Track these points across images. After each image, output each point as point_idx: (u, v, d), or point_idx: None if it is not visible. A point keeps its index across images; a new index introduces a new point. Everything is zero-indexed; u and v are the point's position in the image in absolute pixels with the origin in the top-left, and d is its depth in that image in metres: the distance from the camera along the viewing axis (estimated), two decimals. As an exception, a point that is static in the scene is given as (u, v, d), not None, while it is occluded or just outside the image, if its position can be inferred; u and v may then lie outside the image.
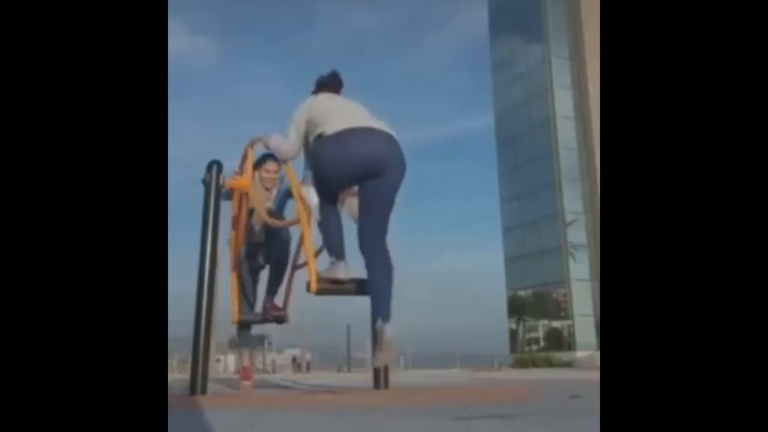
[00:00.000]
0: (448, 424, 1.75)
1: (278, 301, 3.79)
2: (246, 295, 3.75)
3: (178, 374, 8.72)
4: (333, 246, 2.75)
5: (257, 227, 3.69)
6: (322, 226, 2.79)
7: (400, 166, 2.50)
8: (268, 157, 3.68)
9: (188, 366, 3.13)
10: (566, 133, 35.60)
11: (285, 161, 3.04)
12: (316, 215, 2.85)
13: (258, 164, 3.67)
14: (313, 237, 2.92)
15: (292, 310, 3.85)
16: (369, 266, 2.56)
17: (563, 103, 35.93)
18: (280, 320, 3.80)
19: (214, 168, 3.18)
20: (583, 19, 35.28)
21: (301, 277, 3.82)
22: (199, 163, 3.23)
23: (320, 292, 2.74)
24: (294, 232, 3.77)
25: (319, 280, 2.72)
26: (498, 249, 39.66)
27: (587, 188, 34.66)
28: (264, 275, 3.84)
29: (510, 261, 37.65)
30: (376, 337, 2.46)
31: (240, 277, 3.74)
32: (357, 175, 2.48)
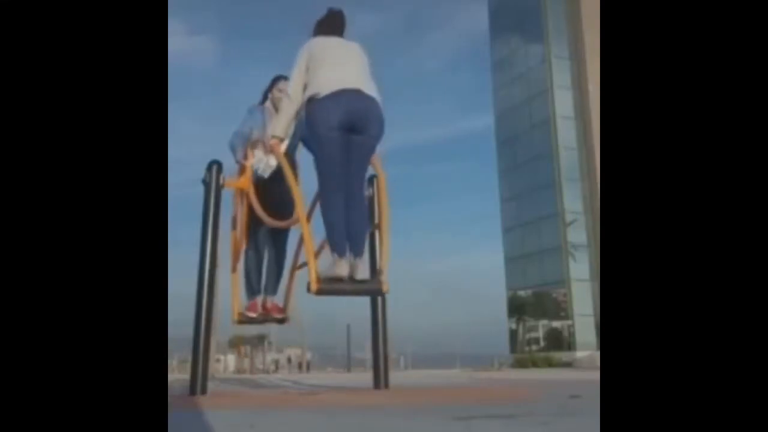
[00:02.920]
0: (448, 424, 1.75)
1: (278, 300, 3.78)
2: (249, 274, 3.70)
3: (178, 374, 8.71)
4: (335, 240, 2.69)
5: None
6: (325, 213, 2.72)
7: (380, 125, 2.77)
8: (280, 77, 3.63)
9: (188, 366, 3.13)
10: (566, 133, 35.57)
11: (289, 118, 2.95)
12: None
13: (271, 85, 3.67)
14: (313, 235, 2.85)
15: (292, 310, 3.82)
16: (348, 207, 2.74)
17: (563, 103, 35.89)
18: (281, 321, 3.78)
19: (214, 168, 3.18)
20: (583, 19, 35.26)
21: (302, 278, 3.81)
22: (200, 163, 3.23)
23: (320, 292, 2.66)
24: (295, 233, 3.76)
25: (319, 279, 2.64)
26: (498, 249, 39.65)
27: (587, 188, 34.64)
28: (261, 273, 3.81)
29: (510, 261, 37.62)
30: (351, 272, 2.68)
31: (248, 256, 3.69)
32: (344, 125, 2.67)
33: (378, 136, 2.79)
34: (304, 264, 3.54)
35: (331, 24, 2.99)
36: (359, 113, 2.68)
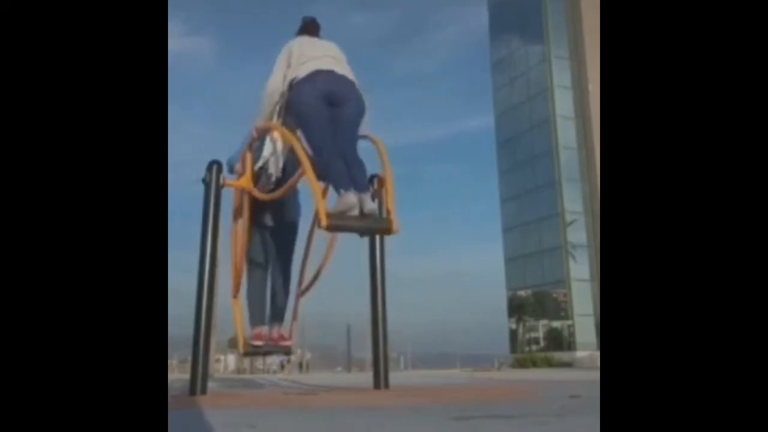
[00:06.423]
0: (448, 424, 1.75)
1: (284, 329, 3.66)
2: (254, 301, 3.56)
3: (178, 374, 8.72)
4: (337, 176, 2.75)
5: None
6: (326, 169, 2.78)
7: (358, 101, 3.00)
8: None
9: (188, 366, 3.12)
10: (566, 132, 35.59)
11: (273, 105, 3.10)
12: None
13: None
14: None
15: (295, 338, 3.72)
16: (347, 165, 2.85)
17: (563, 103, 35.91)
18: (288, 350, 3.69)
19: (214, 168, 3.18)
20: (583, 19, 35.28)
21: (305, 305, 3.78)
22: (200, 163, 3.23)
23: (330, 227, 2.68)
24: (302, 231, 3.71)
25: (329, 215, 2.62)
26: (498, 249, 39.66)
27: (587, 188, 34.65)
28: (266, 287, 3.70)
29: (510, 261, 37.63)
30: (360, 203, 2.74)
31: (253, 283, 3.58)
32: (325, 101, 2.90)
33: (359, 113, 2.98)
34: (309, 286, 3.58)
35: (309, 28, 3.33)
36: (335, 88, 2.92)
